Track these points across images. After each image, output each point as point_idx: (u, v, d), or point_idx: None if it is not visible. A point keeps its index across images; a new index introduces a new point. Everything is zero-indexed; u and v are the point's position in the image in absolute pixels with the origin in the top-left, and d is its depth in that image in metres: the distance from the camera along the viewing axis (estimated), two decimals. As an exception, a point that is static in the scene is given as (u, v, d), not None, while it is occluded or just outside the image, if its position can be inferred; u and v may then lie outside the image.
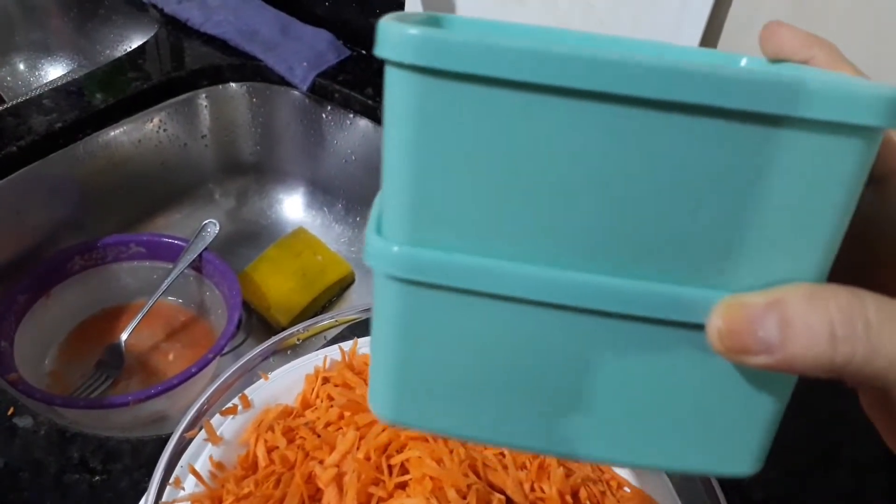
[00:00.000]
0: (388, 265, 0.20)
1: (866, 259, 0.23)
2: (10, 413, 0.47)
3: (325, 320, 0.45)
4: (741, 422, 0.21)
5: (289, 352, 0.45)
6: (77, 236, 0.72)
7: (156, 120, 0.78)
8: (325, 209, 0.85)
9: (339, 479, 0.36)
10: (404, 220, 0.20)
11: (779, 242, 0.19)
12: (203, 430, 0.39)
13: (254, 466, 0.38)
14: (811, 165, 0.19)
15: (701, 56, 0.28)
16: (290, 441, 0.39)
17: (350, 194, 0.83)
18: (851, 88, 0.18)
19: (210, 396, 0.40)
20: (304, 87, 0.77)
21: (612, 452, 0.22)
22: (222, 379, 0.41)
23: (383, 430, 0.38)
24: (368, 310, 0.47)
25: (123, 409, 0.58)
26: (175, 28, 0.83)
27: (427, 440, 0.38)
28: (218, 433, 0.39)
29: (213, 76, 0.80)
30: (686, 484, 0.39)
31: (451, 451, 0.37)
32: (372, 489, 0.36)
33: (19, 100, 0.70)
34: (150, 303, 0.69)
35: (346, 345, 0.44)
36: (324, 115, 0.80)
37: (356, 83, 0.76)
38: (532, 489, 0.38)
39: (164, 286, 0.69)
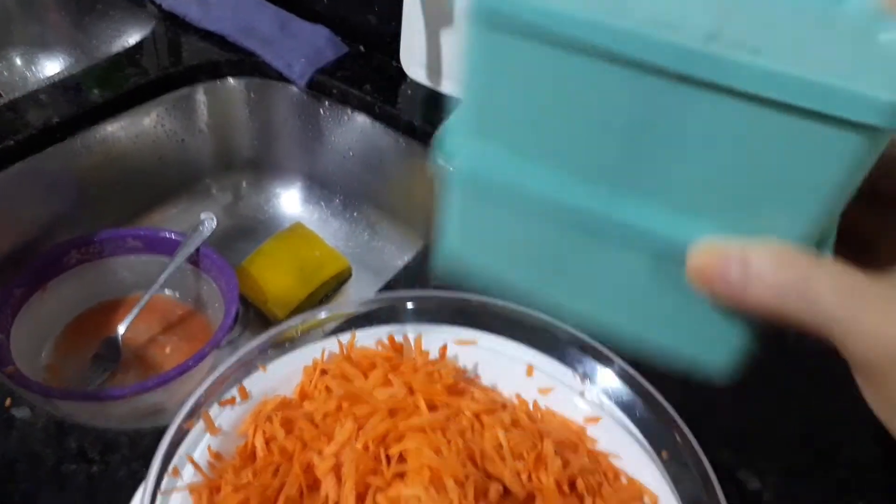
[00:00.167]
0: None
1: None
2: (7, 404, 0.47)
3: (323, 313, 0.46)
4: (719, 335, 0.26)
5: (287, 345, 0.45)
6: (74, 230, 0.72)
7: (153, 115, 0.78)
8: (323, 204, 0.85)
9: (337, 470, 0.36)
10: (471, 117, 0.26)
11: (774, 204, 0.23)
12: (201, 421, 0.39)
13: (252, 457, 0.39)
14: (808, 147, 0.21)
15: None
16: (289, 432, 0.39)
17: (347, 190, 0.84)
18: (854, 87, 0.20)
19: (208, 388, 0.40)
20: (303, 83, 0.77)
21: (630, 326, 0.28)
22: (221, 370, 0.41)
23: (381, 421, 0.38)
24: (366, 303, 0.47)
25: (120, 401, 0.58)
26: (173, 24, 0.83)
27: (425, 431, 0.38)
28: (216, 424, 0.39)
29: (211, 72, 0.80)
30: (682, 475, 0.39)
31: (449, 442, 0.37)
32: (370, 479, 0.36)
33: (16, 95, 0.70)
34: (147, 296, 0.69)
35: (345, 337, 0.44)
36: (321, 111, 0.80)
37: (354, 79, 0.76)
38: (529, 479, 0.38)
39: (161, 280, 0.69)
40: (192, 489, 0.36)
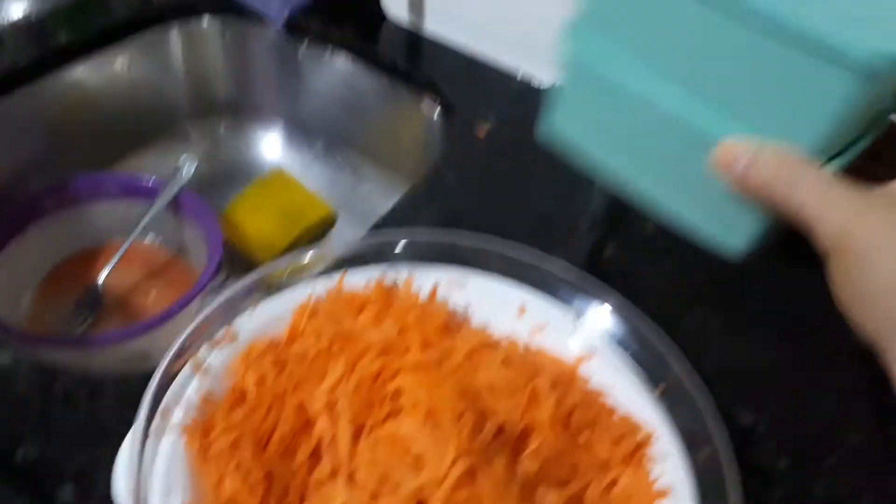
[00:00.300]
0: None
1: None
2: (-12, 352, 0.46)
3: (310, 254, 0.45)
4: (738, 220, 0.35)
5: (274, 287, 0.44)
6: (47, 177, 0.70)
7: (126, 56, 0.75)
8: (305, 148, 0.84)
9: (330, 408, 0.36)
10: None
11: (790, 120, 0.32)
12: (189, 364, 0.38)
13: (243, 397, 0.38)
14: (814, 78, 0.30)
15: None
16: (280, 372, 0.38)
17: (330, 133, 0.82)
18: (839, 39, 0.28)
19: (195, 328, 0.39)
20: (280, 22, 0.74)
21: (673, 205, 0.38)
22: (208, 310, 0.40)
23: (374, 360, 0.38)
24: (354, 244, 0.46)
25: (105, 348, 0.57)
26: (144, -40, 0.79)
27: (419, 369, 0.37)
28: (204, 366, 0.39)
29: (185, 11, 0.77)
30: (678, 409, 0.39)
31: (443, 380, 0.37)
32: (365, 416, 0.36)
33: (-21, 37, 0.67)
34: (127, 242, 0.67)
35: (334, 279, 0.44)
36: (300, 52, 0.77)
37: (334, 18, 0.74)
38: (523, 416, 0.38)
39: (141, 225, 0.67)
40: (185, 429, 0.36)
